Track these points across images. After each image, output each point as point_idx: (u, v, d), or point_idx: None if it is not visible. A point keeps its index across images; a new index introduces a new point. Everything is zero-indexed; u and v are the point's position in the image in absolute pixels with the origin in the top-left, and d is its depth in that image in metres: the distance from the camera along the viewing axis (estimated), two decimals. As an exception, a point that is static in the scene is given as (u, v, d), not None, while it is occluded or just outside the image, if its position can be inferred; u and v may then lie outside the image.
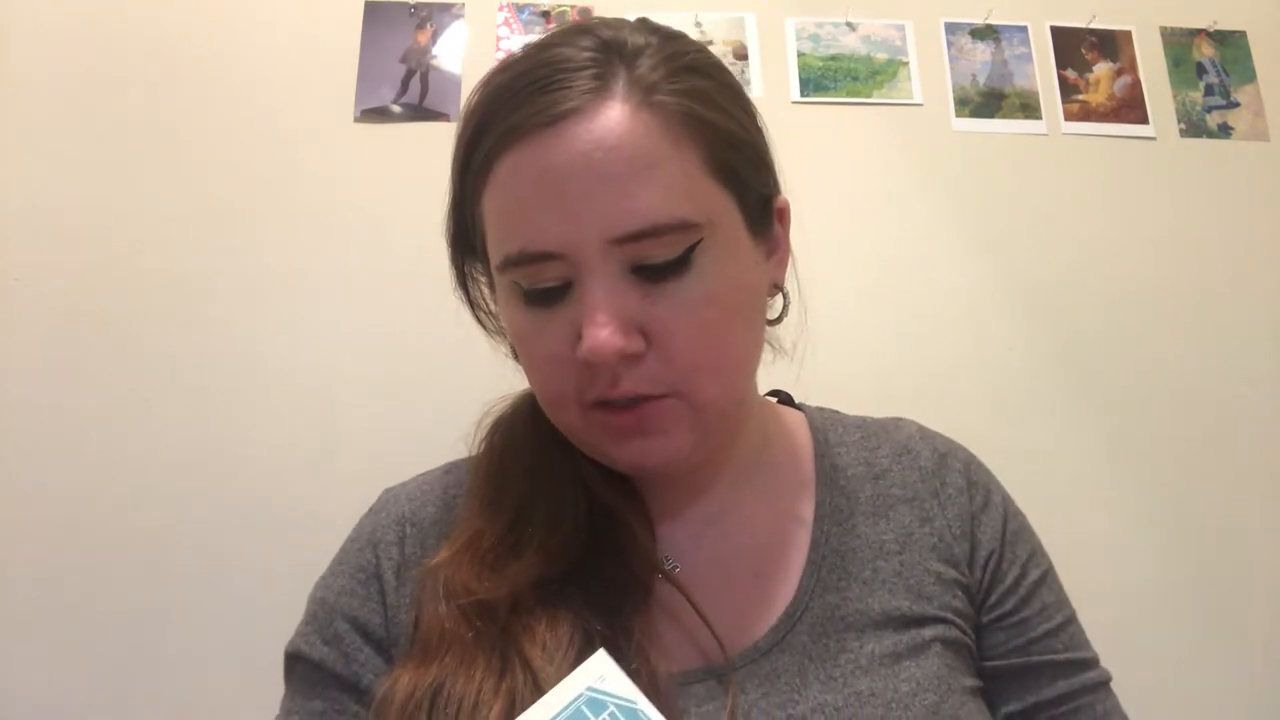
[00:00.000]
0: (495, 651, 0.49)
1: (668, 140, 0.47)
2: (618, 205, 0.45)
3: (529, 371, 0.53)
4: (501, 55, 1.33)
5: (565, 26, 0.52)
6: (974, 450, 0.68)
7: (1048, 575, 0.63)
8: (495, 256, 0.49)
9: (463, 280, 0.58)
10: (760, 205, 0.53)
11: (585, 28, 0.51)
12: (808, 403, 0.71)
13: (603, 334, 0.45)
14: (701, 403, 0.50)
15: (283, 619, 0.62)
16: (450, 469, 0.65)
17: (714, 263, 0.48)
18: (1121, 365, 1.31)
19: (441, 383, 1.17)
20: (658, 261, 0.47)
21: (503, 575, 0.52)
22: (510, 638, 0.49)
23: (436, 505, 0.61)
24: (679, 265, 0.47)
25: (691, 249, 0.47)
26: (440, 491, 0.62)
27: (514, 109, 0.47)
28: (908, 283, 1.31)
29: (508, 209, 0.48)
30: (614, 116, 0.46)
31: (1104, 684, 0.61)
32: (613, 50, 0.49)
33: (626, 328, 0.46)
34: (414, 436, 1.15)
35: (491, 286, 0.57)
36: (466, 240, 0.55)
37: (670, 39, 0.51)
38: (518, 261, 0.47)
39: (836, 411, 0.69)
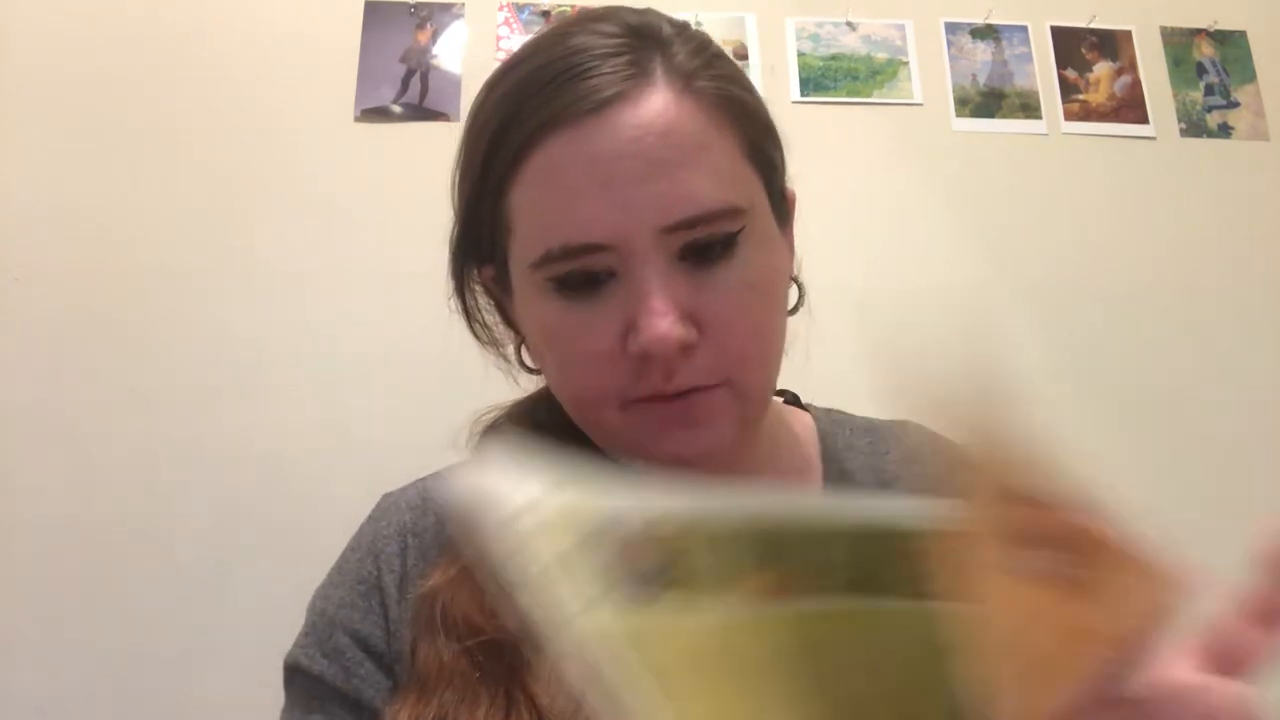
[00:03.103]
0: (500, 690, 0.48)
1: (711, 125, 0.46)
2: (671, 192, 0.44)
3: (563, 371, 0.51)
4: (502, 55, 1.33)
5: (576, 14, 0.51)
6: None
7: None
8: (530, 253, 0.47)
9: (460, 288, 0.57)
10: (780, 194, 0.53)
11: (603, 14, 0.49)
12: (807, 402, 0.70)
13: (664, 324, 0.44)
14: (748, 392, 0.49)
15: (282, 618, 0.62)
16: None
17: (755, 249, 0.48)
18: (1121, 364, 1.31)
19: (442, 381, 1.17)
20: (706, 247, 0.46)
21: (507, 609, 0.51)
22: (515, 676, 0.48)
23: (437, 515, 0.61)
24: (726, 251, 0.46)
25: (736, 234, 0.47)
26: (440, 499, 0.62)
27: (548, 99, 0.45)
28: (907, 282, 1.31)
29: (548, 200, 0.46)
30: (660, 101, 0.45)
31: None
32: (645, 36, 0.48)
33: (684, 317, 0.45)
34: (414, 435, 1.15)
35: (489, 295, 0.56)
36: (475, 245, 0.53)
37: (686, 27, 0.51)
38: (561, 256, 0.46)
39: (844, 412, 0.69)
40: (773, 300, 0.50)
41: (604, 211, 0.45)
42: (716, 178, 0.46)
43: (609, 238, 0.45)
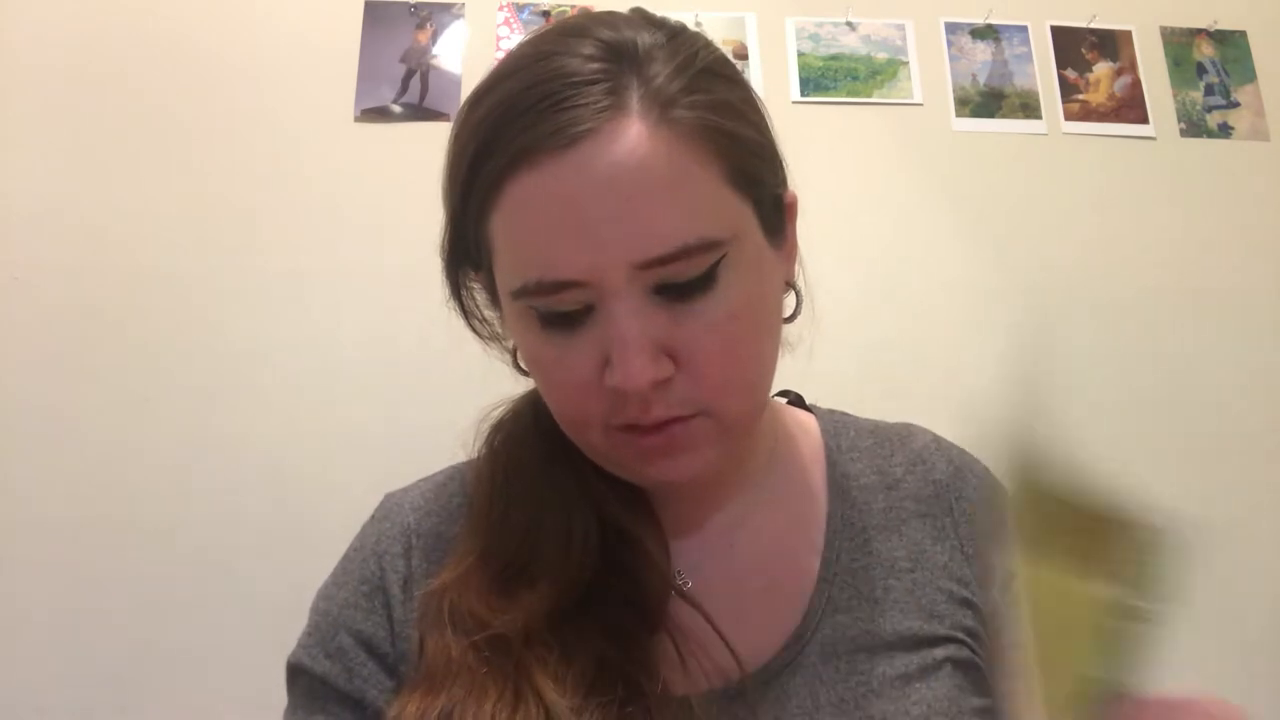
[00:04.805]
0: (508, 684, 0.48)
1: (689, 156, 0.45)
2: (643, 230, 0.44)
3: (547, 394, 0.52)
4: (502, 55, 1.33)
5: (556, 26, 0.50)
6: (972, 450, 0.68)
7: None
8: (509, 283, 0.47)
9: (457, 290, 0.57)
10: (774, 206, 0.52)
11: (581, 28, 0.48)
12: (810, 403, 0.70)
13: (635, 364, 0.44)
14: (729, 418, 0.49)
15: (284, 619, 0.62)
16: (453, 475, 0.64)
17: (737, 276, 0.47)
18: (1121, 364, 1.31)
19: (442, 381, 1.17)
20: (683, 281, 0.45)
21: (515, 605, 0.51)
22: (523, 670, 0.49)
23: (440, 516, 0.60)
24: (704, 283, 0.46)
25: (715, 265, 0.46)
26: (444, 500, 0.61)
27: (523, 128, 0.44)
28: (908, 282, 1.31)
29: (523, 235, 0.46)
30: (632, 136, 0.44)
31: None
32: (622, 57, 0.46)
33: (656, 354, 0.45)
34: (415, 434, 1.15)
35: (488, 292, 0.56)
36: (466, 254, 0.52)
37: (675, 36, 0.49)
38: (536, 290, 0.46)
39: (847, 414, 0.68)
40: (757, 325, 0.49)
41: (577, 250, 0.44)
42: (693, 211, 0.45)
43: (582, 275, 0.45)
